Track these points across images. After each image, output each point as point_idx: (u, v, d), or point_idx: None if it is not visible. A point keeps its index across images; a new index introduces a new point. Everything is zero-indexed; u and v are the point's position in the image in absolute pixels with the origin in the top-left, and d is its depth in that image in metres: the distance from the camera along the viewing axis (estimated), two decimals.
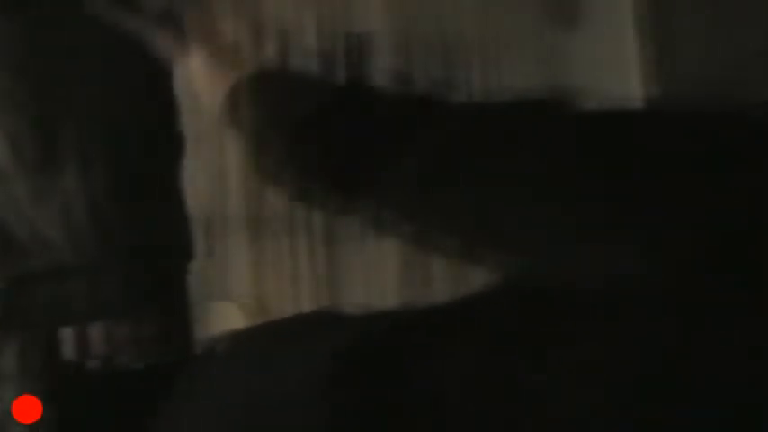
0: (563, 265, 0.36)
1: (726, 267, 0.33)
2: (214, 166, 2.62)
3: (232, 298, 2.53)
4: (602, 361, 0.32)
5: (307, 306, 2.61)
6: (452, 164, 0.46)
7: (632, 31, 2.87)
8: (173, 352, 0.88)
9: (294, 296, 2.62)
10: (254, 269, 2.57)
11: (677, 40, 2.50)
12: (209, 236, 2.57)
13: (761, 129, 0.40)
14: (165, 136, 0.79)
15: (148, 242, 0.92)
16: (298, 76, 0.67)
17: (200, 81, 0.71)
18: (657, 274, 0.33)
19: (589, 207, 0.38)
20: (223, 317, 2.41)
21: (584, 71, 3.24)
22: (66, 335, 0.90)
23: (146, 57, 0.92)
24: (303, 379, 0.35)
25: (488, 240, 0.43)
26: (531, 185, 0.41)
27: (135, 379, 0.90)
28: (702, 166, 0.38)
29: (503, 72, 3.13)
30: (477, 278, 0.49)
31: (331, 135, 0.55)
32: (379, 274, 2.54)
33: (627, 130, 0.42)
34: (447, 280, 2.34)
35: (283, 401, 0.36)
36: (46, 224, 0.91)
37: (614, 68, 3.14)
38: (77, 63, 0.95)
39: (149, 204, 0.88)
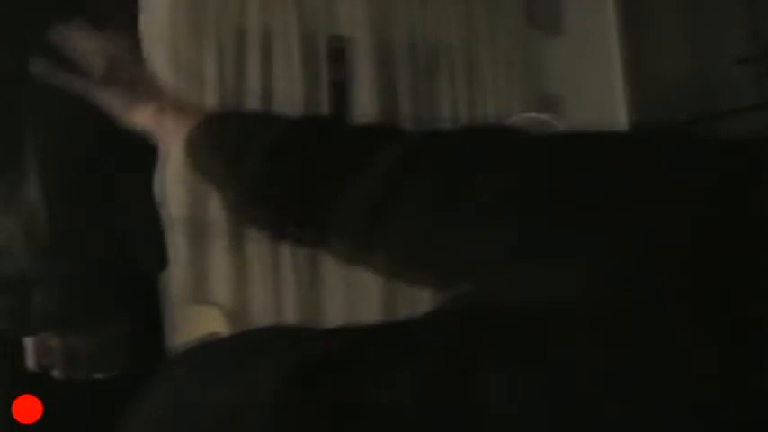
0: (511, 285, 0.37)
1: (666, 288, 0.34)
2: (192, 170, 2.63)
3: (214, 301, 2.53)
4: (548, 380, 0.32)
5: (289, 310, 2.61)
6: (403, 192, 0.46)
7: (614, 37, 2.90)
8: (141, 361, 0.87)
9: (276, 300, 2.62)
10: (237, 273, 2.58)
11: (655, 49, 2.53)
12: (191, 240, 2.57)
13: (701, 150, 0.41)
14: (137, 144, 0.79)
15: (118, 252, 0.90)
16: (249, 116, 0.67)
17: (154, 133, 0.72)
18: (599, 294, 0.34)
19: (536, 229, 0.38)
20: (205, 320, 2.42)
21: (566, 77, 3.27)
22: (30, 345, 0.89)
23: None
24: (247, 403, 0.36)
25: (440, 264, 0.43)
26: (480, 210, 0.41)
27: (101, 389, 0.89)
28: (642, 189, 0.38)
29: (485, 77, 3.15)
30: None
31: (286, 170, 0.56)
32: (361, 278, 2.55)
33: (571, 156, 0.42)
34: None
35: (227, 423, 0.37)
36: (8, 233, 0.90)
37: (596, 74, 3.17)
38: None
39: (119, 213, 0.87)
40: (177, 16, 2.64)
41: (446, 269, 0.43)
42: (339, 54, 2.95)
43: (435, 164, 0.48)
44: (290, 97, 2.77)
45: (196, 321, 2.39)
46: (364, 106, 2.90)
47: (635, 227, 0.37)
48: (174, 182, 2.56)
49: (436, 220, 0.45)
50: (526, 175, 0.43)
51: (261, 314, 2.60)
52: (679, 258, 0.35)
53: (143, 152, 0.92)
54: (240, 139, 0.63)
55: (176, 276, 2.46)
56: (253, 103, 2.74)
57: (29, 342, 0.94)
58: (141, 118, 0.75)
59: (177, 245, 2.51)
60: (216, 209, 2.61)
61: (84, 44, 0.77)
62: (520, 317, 0.36)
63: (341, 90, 2.94)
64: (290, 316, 2.61)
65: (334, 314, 2.69)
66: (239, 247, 2.63)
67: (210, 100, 2.67)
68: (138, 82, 0.78)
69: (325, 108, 2.86)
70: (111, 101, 0.76)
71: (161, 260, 1.04)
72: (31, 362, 0.93)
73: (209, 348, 0.46)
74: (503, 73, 3.17)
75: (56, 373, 0.93)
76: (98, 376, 0.94)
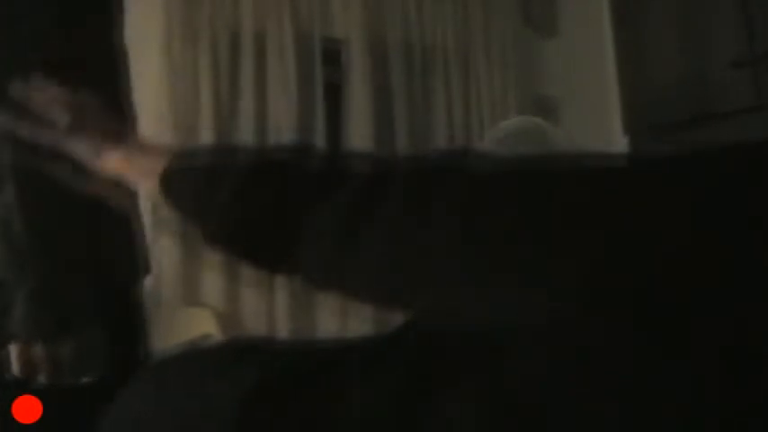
0: (470, 309, 0.37)
1: (626, 313, 0.34)
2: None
3: (206, 303, 2.53)
4: (500, 403, 0.33)
5: (281, 312, 2.62)
6: (368, 221, 0.47)
7: (609, 39, 2.90)
8: (124, 365, 0.88)
9: (268, 302, 2.63)
10: (229, 275, 2.58)
11: (650, 51, 2.53)
12: (183, 241, 2.57)
13: (654, 174, 0.42)
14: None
15: (94, 262, 0.90)
16: (219, 151, 0.68)
17: (125, 177, 0.73)
18: (561, 319, 0.34)
19: (497, 256, 0.39)
20: (197, 322, 2.42)
21: (562, 78, 3.28)
22: (13, 351, 0.90)
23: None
24: (210, 417, 0.36)
25: (405, 291, 0.44)
26: (443, 238, 0.42)
27: (102, 389, 0.90)
28: (600, 215, 0.39)
29: (481, 79, 3.15)
30: None
31: (256, 204, 0.56)
32: None
33: (532, 183, 0.43)
34: None
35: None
36: None
37: (592, 75, 3.17)
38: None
39: (98, 220, 0.87)
40: (171, 19, 2.65)
41: (410, 294, 0.44)
42: (333, 56, 2.96)
43: (400, 193, 0.48)
44: (284, 99, 2.78)
45: (188, 323, 2.39)
46: (359, 108, 2.91)
47: (591, 253, 0.37)
48: None
49: (400, 247, 0.45)
50: (487, 202, 0.43)
51: (253, 316, 2.60)
52: (626, 284, 0.36)
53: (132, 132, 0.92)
54: (210, 178, 0.64)
55: (168, 278, 2.47)
56: (247, 105, 2.74)
57: (12, 349, 0.94)
58: (110, 163, 0.76)
59: (169, 246, 2.51)
60: None
61: (44, 97, 0.78)
62: (474, 341, 0.36)
63: (335, 92, 2.94)
64: (282, 318, 2.62)
65: (327, 316, 2.69)
66: None
67: (205, 102, 2.67)
68: (104, 129, 0.79)
69: (319, 110, 2.86)
70: (77, 149, 0.77)
71: (139, 269, 1.04)
72: (15, 368, 0.94)
73: (180, 360, 0.46)
74: (498, 74, 3.18)
75: (40, 379, 0.93)
76: (82, 381, 0.94)
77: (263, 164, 0.60)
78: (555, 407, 0.33)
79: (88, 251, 0.93)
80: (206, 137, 2.66)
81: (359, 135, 2.89)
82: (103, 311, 0.92)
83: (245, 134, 2.73)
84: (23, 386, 0.93)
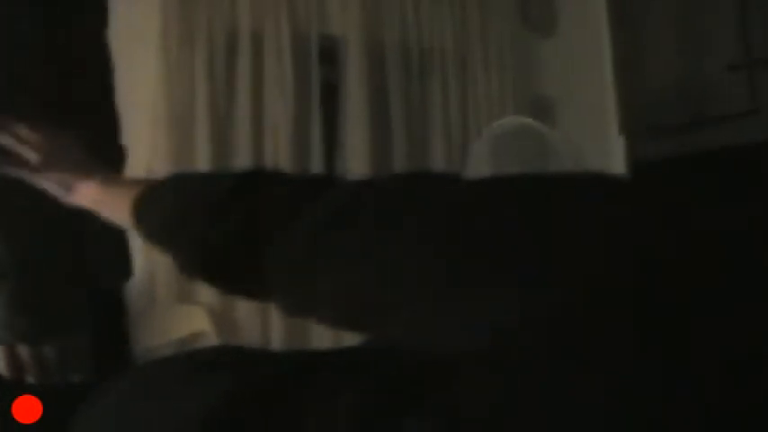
0: (435, 329, 0.38)
1: (595, 324, 0.35)
2: (184, 170, 2.64)
3: (200, 301, 2.54)
4: (462, 426, 0.33)
5: (274, 309, 2.63)
6: (331, 239, 0.48)
7: (607, 39, 2.90)
8: (101, 369, 0.89)
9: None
10: None
11: (646, 53, 2.54)
12: None
13: (616, 190, 0.42)
14: (104, 149, 0.80)
15: (79, 260, 0.91)
16: (190, 179, 0.69)
17: (97, 209, 0.74)
18: (530, 331, 0.35)
19: (462, 269, 0.39)
20: (191, 320, 2.43)
21: (559, 79, 3.28)
22: (1, 353, 0.91)
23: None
24: (180, 426, 0.37)
25: (370, 309, 0.44)
26: (408, 253, 0.42)
27: (81, 395, 0.91)
28: (569, 226, 0.39)
29: (478, 79, 3.15)
30: None
31: (227, 230, 0.57)
32: None
33: (495, 198, 0.43)
34: None
35: None
36: None
37: (590, 76, 3.18)
38: None
39: (82, 221, 0.88)
40: (168, 18, 2.66)
41: (377, 316, 0.44)
42: (331, 56, 2.97)
43: (368, 214, 0.49)
44: (280, 99, 2.79)
45: (182, 321, 2.40)
46: (356, 108, 2.92)
47: (558, 265, 0.38)
48: None
49: (367, 271, 0.46)
50: (454, 221, 0.44)
51: (246, 313, 2.61)
52: (604, 293, 0.36)
53: (110, 156, 0.93)
54: (181, 205, 0.65)
55: (162, 275, 2.48)
56: (243, 105, 2.75)
57: (0, 350, 0.96)
58: (82, 197, 0.78)
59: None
60: None
61: (12, 138, 0.80)
62: (440, 362, 0.36)
63: (332, 91, 2.95)
64: (276, 315, 2.63)
65: None
66: None
67: (201, 102, 2.68)
68: (74, 164, 0.80)
69: (316, 110, 2.87)
70: (49, 186, 0.79)
71: (123, 272, 1.05)
72: (3, 369, 0.95)
73: (152, 369, 0.47)
74: (495, 75, 3.18)
75: (29, 380, 0.95)
76: (71, 381, 0.96)
77: (232, 191, 0.61)
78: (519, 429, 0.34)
79: (72, 253, 0.94)
80: (202, 137, 2.67)
81: (355, 135, 2.91)
82: (89, 313, 0.94)
83: (242, 134, 2.74)
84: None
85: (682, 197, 0.43)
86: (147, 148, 2.61)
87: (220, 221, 0.60)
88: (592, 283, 0.37)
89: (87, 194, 0.77)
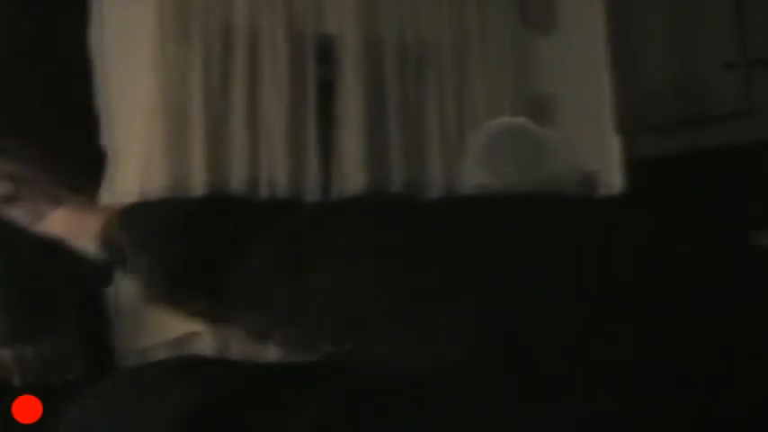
0: (389, 347, 0.38)
1: (536, 350, 0.35)
2: (177, 170, 2.65)
3: None
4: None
5: None
6: (288, 265, 0.48)
7: (604, 37, 2.91)
8: (84, 370, 0.90)
9: None
10: None
11: (642, 52, 2.54)
12: None
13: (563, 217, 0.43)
14: (84, 149, 0.80)
15: (62, 265, 0.92)
16: (155, 205, 0.70)
17: (67, 237, 0.76)
18: (472, 357, 0.35)
19: (414, 294, 0.40)
20: (184, 320, 2.44)
21: (558, 77, 3.28)
22: None
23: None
24: None
25: (326, 331, 0.45)
26: (363, 279, 0.43)
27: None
28: (513, 256, 0.39)
29: (476, 77, 3.15)
30: None
31: (189, 255, 0.58)
32: None
33: (448, 223, 0.44)
34: None
35: None
36: None
37: (588, 74, 3.18)
38: None
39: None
40: (163, 14, 2.66)
41: (340, 337, 0.45)
42: (327, 53, 2.97)
43: (325, 240, 0.50)
44: (276, 96, 2.79)
45: (175, 321, 2.41)
46: (351, 106, 2.92)
47: (501, 293, 0.38)
48: (155, 181, 2.58)
49: (327, 289, 0.47)
50: (413, 244, 0.45)
51: None
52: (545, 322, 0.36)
53: (87, 168, 0.94)
54: (144, 231, 0.66)
55: None
56: (238, 102, 2.76)
57: None
58: (53, 225, 0.79)
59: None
60: None
61: None
62: (399, 379, 0.37)
63: (328, 89, 2.96)
64: None
65: None
66: None
67: (196, 99, 2.68)
68: (44, 193, 0.81)
69: (311, 107, 2.87)
70: (20, 215, 0.80)
71: (106, 276, 1.06)
72: None
73: (125, 378, 0.48)
74: (493, 73, 3.18)
75: (15, 381, 0.96)
76: (55, 381, 0.97)
77: (193, 216, 0.62)
78: None
79: (55, 256, 0.95)
80: (197, 134, 2.68)
81: (351, 133, 2.91)
82: (71, 314, 0.95)
83: (237, 131, 2.75)
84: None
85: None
86: (141, 145, 2.62)
87: (180, 246, 0.61)
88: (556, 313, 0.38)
89: (58, 223, 0.79)
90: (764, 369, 0.36)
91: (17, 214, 0.80)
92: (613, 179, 2.92)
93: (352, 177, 2.89)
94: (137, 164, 2.61)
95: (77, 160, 0.91)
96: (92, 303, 1.02)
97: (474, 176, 2.08)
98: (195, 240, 0.60)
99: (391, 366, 0.38)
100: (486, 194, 0.52)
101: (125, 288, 1.20)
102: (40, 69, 0.95)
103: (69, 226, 0.77)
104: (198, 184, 2.65)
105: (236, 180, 2.72)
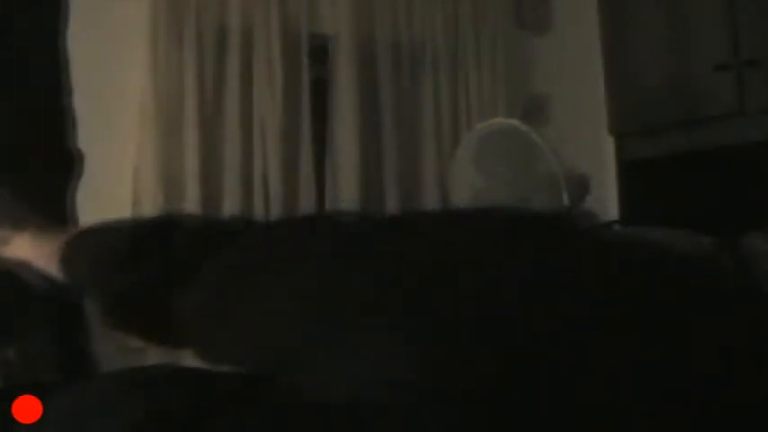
0: (336, 372, 0.38)
1: (489, 376, 0.35)
2: (170, 172, 2.66)
3: None
4: None
5: None
6: (231, 290, 0.49)
7: (599, 37, 2.92)
8: (64, 371, 0.91)
9: None
10: None
11: (635, 53, 2.56)
12: None
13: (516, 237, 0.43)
14: (54, 152, 0.80)
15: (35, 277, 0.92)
16: (106, 229, 0.70)
17: (31, 261, 0.77)
18: (426, 383, 0.35)
19: (359, 319, 0.40)
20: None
21: (553, 77, 3.30)
22: None
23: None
24: None
25: (271, 355, 0.45)
26: (304, 303, 0.43)
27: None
28: (462, 277, 0.39)
29: (470, 77, 3.16)
30: None
31: (133, 280, 0.59)
32: None
33: (394, 243, 0.44)
34: None
35: None
36: None
37: (583, 74, 3.19)
38: None
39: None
40: (157, 14, 2.67)
41: (280, 359, 0.44)
42: (321, 52, 2.98)
43: (268, 262, 0.50)
44: (270, 95, 2.80)
45: None
46: (345, 106, 2.93)
47: (454, 316, 0.38)
48: (147, 182, 2.59)
49: (266, 318, 0.47)
50: (349, 268, 0.44)
51: None
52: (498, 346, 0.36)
53: (50, 169, 0.93)
54: (98, 255, 0.67)
55: None
56: (232, 101, 2.76)
57: None
58: (16, 250, 0.80)
59: None
60: (191, 208, 2.64)
61: None
62: (337, 406, 0.37)
63: (322, 88, 2.97)
64: None
65: None
66: None
67: (190, 98, 2.69)
68: (7, 218, 0.82)
69: (306, 107, 2.88)
70: None
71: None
72: None
73: (79, 390, 0.48)
74: (488, 72, 3.19)
75: None
76: (35, 381, 0.98)
77: (144, 239, 0.62)
78: None
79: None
80: (191, 134, 2.69)
81: (345, 133, 2.92)
82: (44, 317, 0.95)
83: (231, 131, 2.76)
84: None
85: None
86: (134, 146, 2.63)
87: (130, 271, 0.61)
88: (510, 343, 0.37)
89: (20, 247, 0.80)
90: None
91: None
92: (607, 180, 2.93)
93: (347, 177, 2.90)
94: (129, 165, 2.62)
95: (46, 162, 0.91)
96: (66, 306, 1.03)
97: (465, 177, 2.09)
98: (138, 271, 0.61)
99: (329, 393, 0.38)
100: (427, 213, 0.51)
101: None
102: (4, 66, 0.94)
103: (33, 250, 0.78)
104: (191, 184, 2.66)
105: (230, 180, 2.73)
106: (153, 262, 0.60)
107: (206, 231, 0.60)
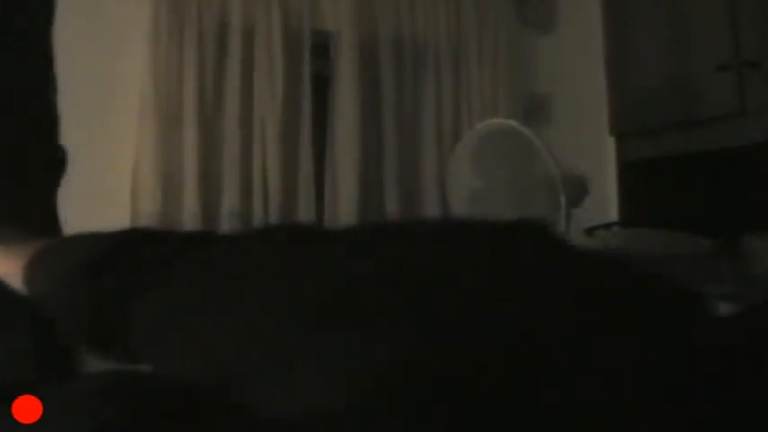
0: (292, 386, 0.38)
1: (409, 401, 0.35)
2: (170, 169, 2.66)
3: None
4: None
5: None
6: (186, 305, 0.49)
7: (600, 36, 2.92)
8: (43, 370, 0.91)
9: None
10: None
11: (637, 53, 2.56)
12: None
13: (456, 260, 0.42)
14: (36, 153, 0.80)
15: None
16: (75, 241, 0.70)
17: (4, 277, 0.77)
18: (342, 405, 0.35)
19: (317, 329, 0.39)
20: None
21: (554, 76, 3.30)
22: None
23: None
24: None
25: (227, 372, 0.45)
26: (261, 317, 0.43)
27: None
28: (392, 297, 0.39)
29: (473, 75, 3.16)
30: None
31: (95, 297, 0.59)
32: None
33: (335, 262, 0.44)
34: None
35: None
36: None
37: (586, 73, 3.19)
38: None
39: (12, 227, 0.88)
40: (157, 10, 2.67)
41: (234, 375, 0.44)
42: (323, 49, 2.98)
43: (216, 276, 0.50)
44: (271, 92, 2.80)
45: None
46: (347, 103, 2.93)
47: (376, 339, 0.38)
48: (146, 178, 2.60)
49: (214, 328, 0.46)
50: (311, 281, 0.44)
51: None
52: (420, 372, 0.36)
53: (46, 169, 0.93)
54: (59, 270, 0.67)
55: None
56: (233, 98, 2.77)
57: None
58: None
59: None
60: (190, 207, 2.65)
61: None
62: (291, 423, 0.37)
63: (324, 85, 2.97)
64: None
65: None
66: None
67: (190, 95, 2.70)
68: None
69: (306, 104, 2.88)
70: None
71: None
72: None
73: (50, 393, 0.49)
74: (490, 71, 3.19)
75: None
76: (14, 380, 0.98)
77: (103, 256, 0.62)
78: None
79: None
80: (191, 131, 2.69)
81: (346, 130, 2.92)
82: (26, 315, 0.95)
83: (231, 128, 2.76)
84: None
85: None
86: (134, 143, 2.63)
87: (88, 284, 0.61)
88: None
89: None
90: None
91: None
92: (608, 180, 2.94)
93: (347, 175, 2.90)
94: (128, 161, 2.63)
95: (39, 162, 0.90)
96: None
97: (463, 178, 2.10)
98: (96, 284, 0.60)
99: (284, 408, 0.38)
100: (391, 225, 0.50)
101: None
102: None
103: (2, 266, 0.78)
104: (190, 182, 2.66)
105: (229, 178, 2.74)
106: (111, 276, 0.59)
107: (168, 244, 0.60)
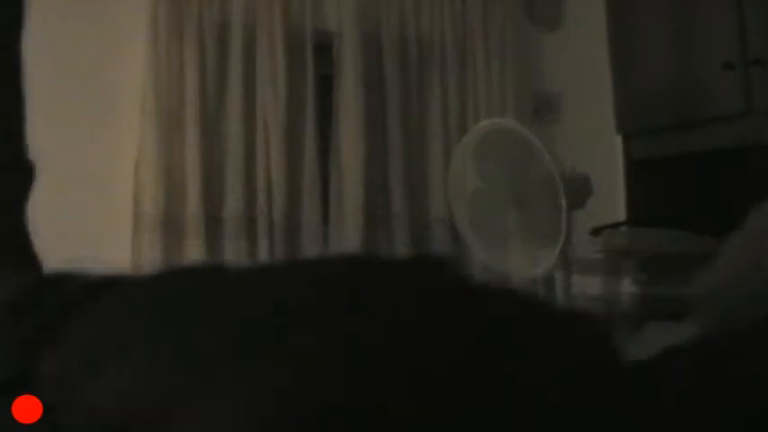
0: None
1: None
2: (171, 169, 2.67)
3: None
4: None
5: None
6: (97, 347, 0.50)
7: (605, 35, 2.92)
8: (22, 369, 0.91)
9: None
10: None
11: (642, 51, 2.56)
12: (166, 238, 2.62)
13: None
14: (18, 161, 0.79)
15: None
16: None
17: None
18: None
19: (197, 367, 0.40)
20: None
21: (561, 74, 3.30)
22: None
23: None
24: None
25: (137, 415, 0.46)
26: (160, 360, 0.44)
27: None
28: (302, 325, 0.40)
29: (479, 74, 3.16)
30: None
31: (14, 333, 0.59)
32: None
33: (259, 289, 0.44)
34: None
35: None
36: None
37: (593, 71, 3.20)
38: None
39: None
40: (158, 9, 2.69)
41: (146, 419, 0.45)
42: (326, 48, 2.99)
43: (120, 320, 0.51)
44: (273, 93, 2.81)
45: None
46: (351, 102, 2.94)
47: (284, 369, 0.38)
48: (148, 179, 2.61)
49: (117, 371, 0.47)
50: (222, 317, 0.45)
51: None
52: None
53: (13, 176, 0.91)
54: None
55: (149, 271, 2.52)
56: (234, 98, 2.78)
57: None
58: None
59: (152, 243, 2.57)
60: (193, 208, 2.66)
61: None
62: None
63: (328, 84, 2.97)
64: None
65: None
66: (215, 246, 2.68)
67: (191, 96, 2.71)
68: None
69: (310, 104, 2.89)
70: None
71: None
72: None
73: None
74: (496, 69, 3.20)
75: None
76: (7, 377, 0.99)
77: (29, 295, 0.62)
78: None
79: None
80: (192, 131, 2.71)
81: (350, 130, 2.94)
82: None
83: (233, 128, 2.77)
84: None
85: None
86: (135, 143, 2.65)
87: (10, 329, 0.61)
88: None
89: None
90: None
91: None
92: (615, 179, 2.94)
93: (351, 175, 2.91)
94: (130, 161, 2.64)
95: (10, 171, 0.89)
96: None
97: (463, 177, 2.10)
98: (10, 332, 0.61)
99: None
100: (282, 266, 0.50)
101: None
102: None
103: None
104: (192, 182, 2.68)
105: (232, 178, 2.75)
106: (25, 322, 0.60)
107: (79, 288, 0.60)
